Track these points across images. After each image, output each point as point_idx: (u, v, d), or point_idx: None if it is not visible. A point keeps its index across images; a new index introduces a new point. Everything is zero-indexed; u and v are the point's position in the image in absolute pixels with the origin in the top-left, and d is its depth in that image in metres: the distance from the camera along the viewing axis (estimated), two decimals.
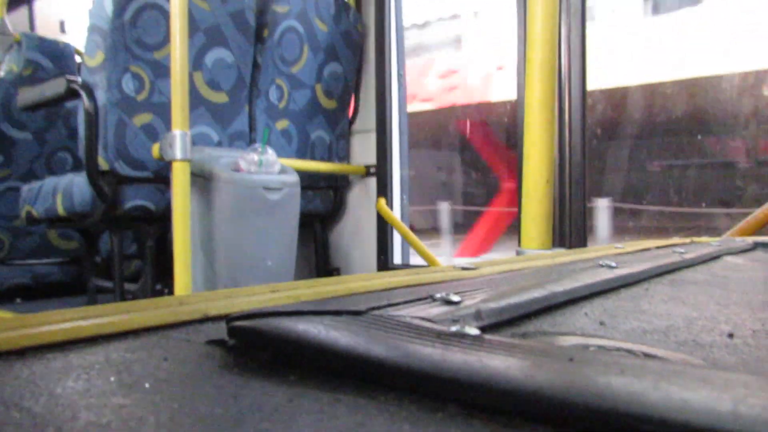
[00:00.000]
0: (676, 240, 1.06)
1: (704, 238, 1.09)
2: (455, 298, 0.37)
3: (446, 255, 6.68)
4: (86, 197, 1.74)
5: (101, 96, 1.71)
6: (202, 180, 1.68)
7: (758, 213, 1.40)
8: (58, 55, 2.42)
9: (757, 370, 0.28)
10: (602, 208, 5.76)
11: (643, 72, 6.56)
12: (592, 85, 1.69)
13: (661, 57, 6.45)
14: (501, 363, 0.22)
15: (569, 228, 1.73)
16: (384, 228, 2.27)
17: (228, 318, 0.28)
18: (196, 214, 1.64)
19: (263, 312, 0.28)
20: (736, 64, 6.01)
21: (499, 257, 0.75)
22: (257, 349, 0.27)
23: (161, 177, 1.79)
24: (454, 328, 0.27)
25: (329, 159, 2.30)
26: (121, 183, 1.75)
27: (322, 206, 2.32)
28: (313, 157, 2.24)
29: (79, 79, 1.75)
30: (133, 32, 1.72)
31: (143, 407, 0.21)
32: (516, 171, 1.71)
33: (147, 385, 0.23)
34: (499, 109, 7.52)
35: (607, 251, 0.83)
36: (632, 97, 6.86)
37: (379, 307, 0.33)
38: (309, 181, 2.15)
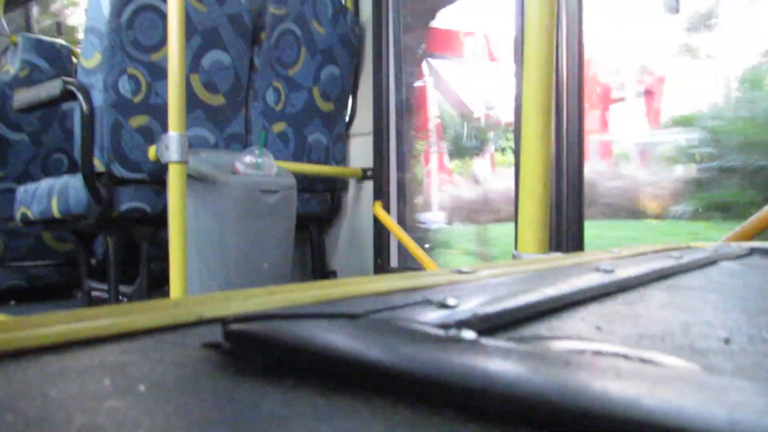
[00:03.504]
0: (672, 245, 1.06)
1: (700, 243, 1.09)
2: (452, 302, 0.37)
3: None
4: (82, 199, 1.74)
5: (97, 97, 1.71)
6: (198, 182, 1.68)
7: (755, 218, 1.41)
8: (54, 57, 2.42)
9: (753, 376, 0.28)
10: None
11: None
12: None
13: None
14: (497, 367, 0.22)
15: (566, 232, 1.73)
16: (381, 231, 2.27)
17: (224, 321, 0.28)
18: (192, 216, 1.64)
19: (259, 315, 0.28)
20: None
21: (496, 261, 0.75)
22: (253, 353, 0.26)
23: (157, 179, 1.78)
24: (450, 332, 0.27)
25: (326, 162, 2.30)
26: (117, 185, 1.75)
27: (318, 209, 2.31)
28: (309, 160, 2.23)
29: (76, 81, 1.75)
30: (129, 34, 1.72)
31: (138, 410, 0.20)
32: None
33: (142, 388, 0.23)
34: None
35: (604, 255, 0.83)
36: None
37: (375, 311, 0.33)
38: (306, 184, 2.15)
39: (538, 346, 0.30)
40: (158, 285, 1.86)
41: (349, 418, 0.20)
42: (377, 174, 2.28)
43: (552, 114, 1.28)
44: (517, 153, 1.71)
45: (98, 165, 1.71)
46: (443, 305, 0.36)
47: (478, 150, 5.29)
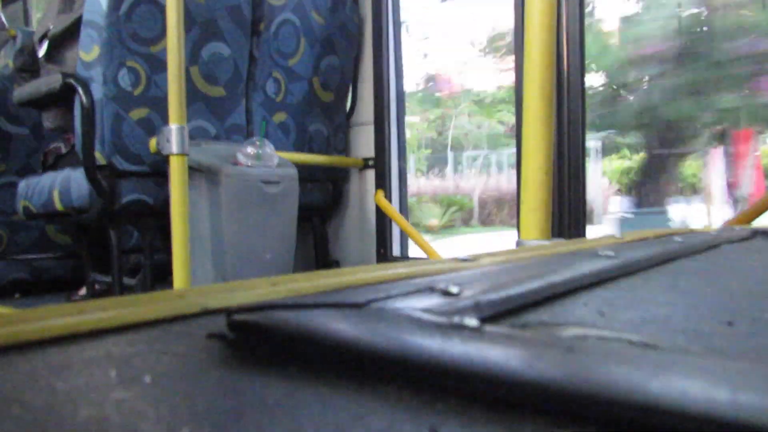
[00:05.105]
0: (675, 229, 1.06)
1: (703, 227, 1.09)
2: (454, 289, 0.37)
3: None
4: (84, 192, 1.74)
5: (97, 90, 1.71)
6: (199, 174, 1.68)
7: (758, 201, 1.40)
8: None
9: (756, 359, 0.28)
10: None
11: None
12: None
13: None
14: (500, 354, 0.22)
15: (568, 219, 1.73)
16: (383, 220, 2.27)
17: (228, 311, 0.28)
18: (194, 208, 1.64)
19: (263, 305, 0.28)
20: None
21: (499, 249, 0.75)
22: (257, 343, 0.27)
23: (159, 171, 1.78)
24: (453, 320, 0.27)
25: (327, 152, 2.30)
26: (118, 177, 1.75)
27: (320, 199, 2.31)
28: (311, 150, 2.23)
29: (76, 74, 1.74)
30: (128, 26, 1.71)
31: (143, 401, 0.21)
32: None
33: (147, 380, 0.23)
34: None
35: (606, 241, 0.83)
36: None
37: (378, 300, 0.33)
38: (307, 174, 2.15)
39: (541, 332, 0.30)
40: (161, 277, 1.86)
41: (353, 406, 0.20)
42: (379, 163, 2.28)
43: (554, 101, 1.28)
44: (518, 141, 1.71)
45: (99, 158, 1.71)
46: (446, 293, 0.36)
47: None
